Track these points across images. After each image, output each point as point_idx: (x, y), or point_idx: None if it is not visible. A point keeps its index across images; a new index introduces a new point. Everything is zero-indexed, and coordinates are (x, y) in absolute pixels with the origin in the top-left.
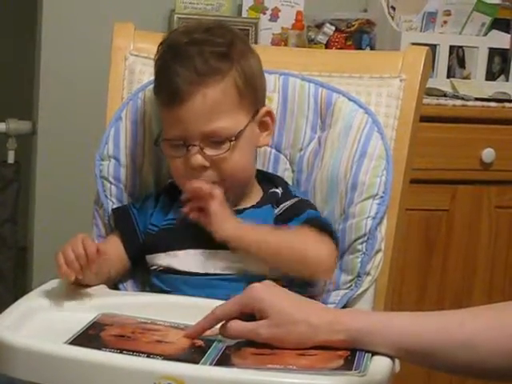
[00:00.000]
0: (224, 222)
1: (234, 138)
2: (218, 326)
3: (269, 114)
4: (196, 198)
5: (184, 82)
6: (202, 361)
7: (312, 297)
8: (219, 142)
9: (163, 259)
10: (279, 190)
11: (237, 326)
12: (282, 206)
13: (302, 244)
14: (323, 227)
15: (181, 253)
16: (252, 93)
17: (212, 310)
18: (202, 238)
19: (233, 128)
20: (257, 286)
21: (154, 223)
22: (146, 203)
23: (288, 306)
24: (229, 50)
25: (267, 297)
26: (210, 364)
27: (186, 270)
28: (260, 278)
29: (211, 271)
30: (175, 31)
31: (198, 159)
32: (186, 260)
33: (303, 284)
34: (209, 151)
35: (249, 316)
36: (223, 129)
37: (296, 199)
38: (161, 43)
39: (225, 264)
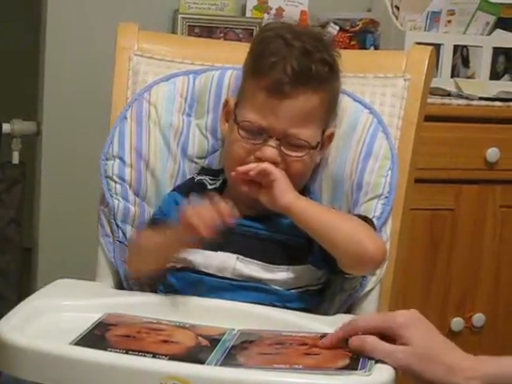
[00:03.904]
0: (287, 191)
1: (312, 147)
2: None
3: (331, 136)
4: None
5: (296, 78)
6: (207, 361)
7: (321, 302)
8: (295, 146)
9: (187, 256)
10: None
11: (375, 343)
12: None
13: (361, 228)
14: (368, 221)
15: (205, 252)
16: (333, 113)
17: (352, 321)
18: (230, 242)
19: (313, 138)
20: (403, 313)
21: None
22: (174, 200)
23: (432, 342)
24: (336, 66)
25: (412, 326)
26: (216, 364)
27: (205, 270)
28: (276, 291)
29: (228, 276)
30: (274, 25)
31: (273, 152)
32: (208, 260)
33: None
34: (285, 150)
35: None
36: (305, 136)
37: None
38: (262, 31)
39: (243, 271)
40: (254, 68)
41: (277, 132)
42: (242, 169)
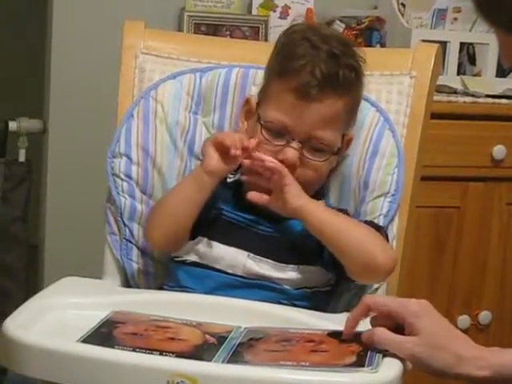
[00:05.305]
0: (299, 195)
1: (333, 152)
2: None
3: (350, 141)
4: (269, 173)
5: (324, 82)
6: (214, 358)
7: (328, 300)
8: (316, 150)
9: (199, 247)
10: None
11: (383, 334)
12: None
13: (371, 236)
14: (381, 230)
15: (216, 246)
16: (353, 118)
17: (363, 300)
18: (242, 239)
19: (334, 143)
20: (415, 302)
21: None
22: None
23: (441, 332)
24: (361, 72)
25: (423, 315)
26: (223, 361)
27: (214, 265)
28: (285, 290)
29: (239, 273)
30: (300, 27)
31: (295, 155)
32: (219, 255)
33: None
34: (306, 154)
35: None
36: (328, 140)
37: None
38: (288, 33)
39: (254, 269)
40: (281, 70)
41: (300, 134)
42: (258, 155)
